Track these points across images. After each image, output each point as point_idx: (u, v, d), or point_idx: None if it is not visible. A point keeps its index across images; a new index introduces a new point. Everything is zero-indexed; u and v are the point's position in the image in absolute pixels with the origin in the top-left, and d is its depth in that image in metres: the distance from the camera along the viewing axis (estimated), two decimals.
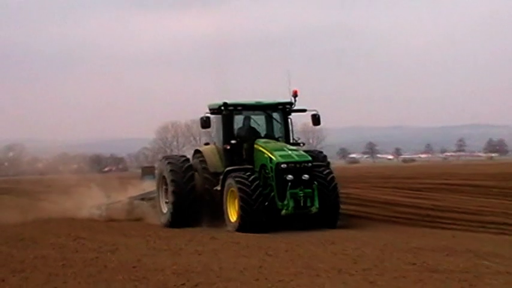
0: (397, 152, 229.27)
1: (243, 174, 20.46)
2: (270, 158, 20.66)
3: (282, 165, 20.15)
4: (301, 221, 20.55)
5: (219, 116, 22.64)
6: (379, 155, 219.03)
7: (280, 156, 20.56)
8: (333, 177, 21.30)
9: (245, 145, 22.01)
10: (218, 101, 22.43)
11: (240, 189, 19.85)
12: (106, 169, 77.11)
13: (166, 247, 17.95)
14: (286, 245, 17.44)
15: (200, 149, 23.56)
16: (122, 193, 27.01)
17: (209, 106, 22.92)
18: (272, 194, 20.23)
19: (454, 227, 21.86)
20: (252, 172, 20.68)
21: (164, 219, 22.73)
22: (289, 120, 23.18)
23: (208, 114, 22.49)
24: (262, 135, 23.13)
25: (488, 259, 14.25)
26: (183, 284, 12.27)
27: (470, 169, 68.37)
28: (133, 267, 14.42)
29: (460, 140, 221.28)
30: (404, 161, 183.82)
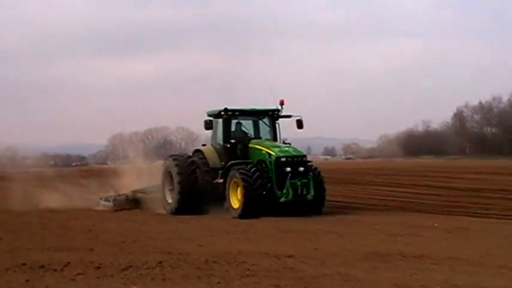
0: None
1: (245, 167, 22.06)
2: (269, 153, 22.43)
3: (282, 159, 21.96)
4: (296, 207, 21.93)
5: (219, 119, 24.32)
6: None
7: (279, 151, 22.45)
8: (319, 170, 23.32)
9: (239, 145, 23.45)
10: (217, 107, 24.19)
11: (243, 180, 21.34)
12: (73, 164, 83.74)
13: (115, 218, 22.59)
14: (195, 217, 22.37)
15: (200, 148, 25.28)
16: (126, 187, 28.19)
17: (208, 112, 24.79)
18: (269, 184, 21.77)
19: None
20: (252, 165, 22.24)
21: (169, 208, 24.15)
22: (276, 124, 24.96)
23: (211, 118, 24.17)
24: (253, 137, 24.76)
25: (322, 223, 19.24)
26: (123, 242, 14.96)
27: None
28: (90, 230, 17.60)
29: (308, 148, 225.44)
30: None
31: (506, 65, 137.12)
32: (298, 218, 20.86)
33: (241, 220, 21.05)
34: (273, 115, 24.81)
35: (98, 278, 10.29)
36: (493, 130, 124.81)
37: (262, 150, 22.91)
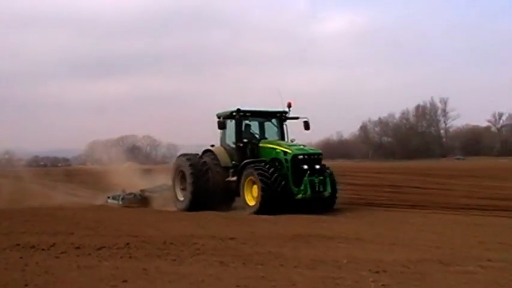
0: None
1: (262, 165, 19.23)
2: (285, 152, 19.58)
3: (299, 156, 19.23)
4: (311, 204, 18.86)
5: (229, 120, 21.40)
6: None
7: (296, 149, 19.67)
8: (330, 168, 20.26)
9: (251, 145, 20.79)
10: (228, 109, 21.21)
11: (260, 178, 18.56)
12: (59, 165, 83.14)
13: (93, 208, 22.02)
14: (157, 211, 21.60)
15: (210, 149, 21.84)
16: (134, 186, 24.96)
17: (219, 114, 21.53)
18: (283, 182, 18.78)
19: None
20: (268, 164, 19.30)
21: (181, 205, 21.19)
22: (284, 126, 22.01)
23: (223, 119, 20.96)
24: (262, 137, 21.84)
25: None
26: (98, 227, 14.85)
27: None
28: (71, 217, 17.41)
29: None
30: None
31: (399, 88, 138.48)
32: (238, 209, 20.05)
33: (191, 211, 19.72)
34: (281, 116, 21.93)
35: (77, 256, 10.24)
36: (389, 139, 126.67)
37: (277, 148, 20.07)
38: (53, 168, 63.59)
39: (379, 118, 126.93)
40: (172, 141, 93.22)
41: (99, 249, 10.85)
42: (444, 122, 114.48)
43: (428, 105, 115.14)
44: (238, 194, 20.00)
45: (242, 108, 21.02)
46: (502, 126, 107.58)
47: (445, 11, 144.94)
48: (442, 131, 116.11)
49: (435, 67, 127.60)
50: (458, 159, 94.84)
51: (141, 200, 23.50)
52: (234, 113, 20.95)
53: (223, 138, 22.05)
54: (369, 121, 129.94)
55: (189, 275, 8.33)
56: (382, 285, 7.45)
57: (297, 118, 21.67)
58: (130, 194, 23.96)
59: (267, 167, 18.96)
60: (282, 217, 17.27)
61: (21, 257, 10.03)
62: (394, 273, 8.19)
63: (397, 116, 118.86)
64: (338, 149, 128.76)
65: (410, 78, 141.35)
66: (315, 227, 14.67)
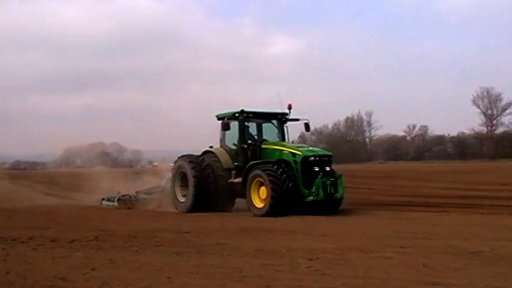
0: None
1: (271, 166, 16.59)
2: (294, 153, 16.91)
3: (310, 158, 16.72)
4: (321, 206, 16.43)
5: (234, 121, 18.48)
6: None
7: (306, 151, 17.24)
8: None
9: (251, 147, 18.01)
10: (231, 110, 18.48)
11: (270, 180, 16.04)
12: (38, 168, 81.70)
13: (66, 206, 21.38)
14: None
15: (211, 150, 19.01)
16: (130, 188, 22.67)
17: (219, 115, 18.97)
18: (290, 184, 16.25)
19: None
20: (276, 165, 16.63)
21: (182, 207, 18.57)
22: (285, 127, 19.20)
23: (227, 121, 18.20)
24: (260, 138, 18.90)
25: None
26: (70, 222, 14.98)
27: None
28: (47, 214, 17.44)
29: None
30: None
31: (332, 103, 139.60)
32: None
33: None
34: (282, 118, 19.11)
35: (53, 247, 10.25)
36: (323, 146, 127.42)
37: (284, 150, 17.36)
38: (32, 171, 62.69)
39: (315, 128, 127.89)
40: (136, 147, 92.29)
41: (71, 241, 10.84)
42: (369, 131, 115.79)
43: (356, 117, 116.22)
44: (241, 196, 17.62)
45: (246, 109, 18.28)
46: (415, 136, 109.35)
47: (369, 39, 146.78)
48: (367, 139, 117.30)
49: (362, 85, 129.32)
50: (380, 163, 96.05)
51: (136, 202, 20.99)
52: (237, 114, 18.22)
53: (223, 140, 19.26)
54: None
55: (149, 264, 8.31)
56: (315, 270, 7.52)
57: (297, 120, 19.17)
58: (125, 195, 21.47)
59: (275, 168, 16.44)
60: (228, 214, 17.32)
61: (3, 249, 9.99)
62: (324, 260, 8.27)
63: (330, 126, 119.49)
64: None
65: (342, 95, 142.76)
66: (257, 221, 14.67)
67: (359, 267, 7.64)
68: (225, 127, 18.21)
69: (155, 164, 58.67)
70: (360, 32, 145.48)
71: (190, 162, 18.64)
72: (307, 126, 19.28)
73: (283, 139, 18.88)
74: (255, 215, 16.34)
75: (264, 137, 18.91)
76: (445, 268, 7.52)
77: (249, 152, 17.92)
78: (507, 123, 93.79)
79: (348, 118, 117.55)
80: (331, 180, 16.38)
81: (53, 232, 12.43)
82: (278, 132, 19.14)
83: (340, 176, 16.77)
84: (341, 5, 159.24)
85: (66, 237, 11.36)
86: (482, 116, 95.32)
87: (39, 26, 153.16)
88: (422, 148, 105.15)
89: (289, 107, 18.77)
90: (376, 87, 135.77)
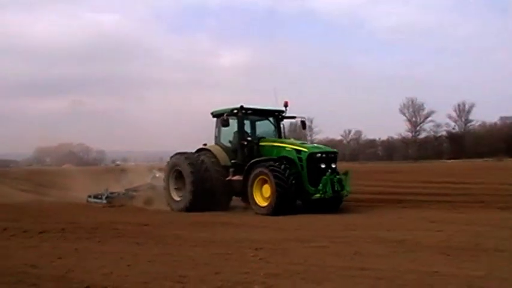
0: None
1: (274, 163, 14.67)
2: (298, 150, 15.06)
3: (317, 155, 14.86)
4: (327, 204, 14.76)
5: (233, 118, 16.50)
6: None
7: (312, 147, 15.53)
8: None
9: (249, 144, 16.17)
10: (229, 106, 16.51)
11: (275, 176, 14.20)
12: (11, 165, 79.71)
13: (35, 200, 20.01)
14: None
15: (207, 147, 17.06)
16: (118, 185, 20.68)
17: (215, 112, 17.05)
18: (294, 181, 14.38)
19: None
20: (280, 162, 14.73)
21: (178, 206, 16.45)
22: (281, 125, 17.27)
23: (227, 117, 16.04)
24: (254, 135, 16.89)
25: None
26: (40, 216, 14.70)
27: None
28: (19, 208, 16.80)
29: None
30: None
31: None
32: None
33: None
34: (279, 116, 17.20)
35: (24, 238, 10.22)
36: None
37: (287, 147, 15.49)
38: (5, 169, 61.06)
39: None
40: (100, 148, 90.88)
41: (41, 232, 10.73)
42: (310, 135, 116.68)
43: (299, 122, 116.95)
44: (240, 194, 16.04)
45: (245, 106, 16.34)
46: (350, 140, 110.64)
47: (312, 52, 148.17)
48: (308, 143, 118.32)
49: (306, 93, 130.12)
50: None
51: (125, 199, 18.87)
52: (236, 111, 16.26)
53: (218, 137, 17.23)
54: None
55: (111, 253, 8.25)
56: (259, 258, 7.55)
57: (294, 117, 17.36)
58: (114, 193, 19.38)
59: (282, 167, 14.52)
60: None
61: None
62: (267, 249, 8.31)
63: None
64: None
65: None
66: (208, 215, 14.58)
67: (299, 256, 7.70)
68: (225, 123, 16.05)
69: (117, 163, 57.98)
70: (304, 45, 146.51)
71: (186, 159, 16.55)
72: (303, 123, 18.11)
73: (280, 137, 17.12)
74: (258, 214, 14.44)
75: (257, 134, 16.99)
76: (373, 255, 7.65)
77: (246, 150, 16.13)
78: (428, 129, 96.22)
79: (291, 123, 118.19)
80: (338, 178, 14.72)
81: (25, 224, 12.25)
82: (274, 130, 17.33)
83: (347, 173, 15.13)
84: (287, 22, 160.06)
85: (36, 228, 11.21)
86: (407, 123, 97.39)
87: (6, 35, 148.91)
88: (356, 150, 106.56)
89: (286, 105, 16.93)
90: (318, 96, 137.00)
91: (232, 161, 16.28)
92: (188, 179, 16.17)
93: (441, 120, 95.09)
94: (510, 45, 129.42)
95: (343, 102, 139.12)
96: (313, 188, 14.56)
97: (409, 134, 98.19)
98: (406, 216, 13.12)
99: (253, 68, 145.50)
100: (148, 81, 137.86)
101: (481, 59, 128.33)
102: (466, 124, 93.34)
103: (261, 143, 16.18)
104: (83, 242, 9.52)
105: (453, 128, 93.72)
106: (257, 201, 14.81)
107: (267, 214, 14.11)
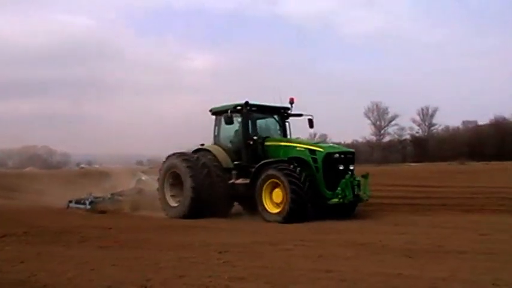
0: None
1: (288, 166, 13.09)
2: (312, 150, 13.58)
3: (335, 155, 13.42)
4: (343, 209, 13.60)
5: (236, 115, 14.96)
6: None
7: (328, 147, 13.97)
8: None
9: (254, 143, 14.66)
10: (231, 103, 14.96)
11: (290, 181, 12.66)
12: None
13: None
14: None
15: (206, 148, 15.55)
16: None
17: (214, 109, 15.71)
18: (308, 185, 12.92)
19: None
20: (293, 164, 13.17)
21: (175, 212, 14.84)
22: (286, 123, 15.80)
23: (231, 114, 14.49)
24: (264, 134, 15.22)
25: None
26: (2, 218, 14.42)
27: None
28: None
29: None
30: None
31: None
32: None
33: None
34: (284, 113, 15.77)
35: None
36: None
37: (298, 147, 14.01)
38: None
39: None
40: (65, 151, 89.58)
41: (2, 236, 10.52)
42: None
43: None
44: (243, 199, 14.78)
45: (251, 102, 14.82)
46: None
47: (282, 55, 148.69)
48: None
49: (274, 97, 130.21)
50: None
51: (111, 204, 17.04)
52: (240, 107, 14.73)
53: (217, 136, 15.79)
54: None
55: (76, 257, 8.11)
56: (224, 261, 7.53)
57: (300, 115, 15.68)
58: (98, 197, 17.60)
59: (292, 167, 13.05)
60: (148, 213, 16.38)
61: None
62: (234, 252, 8.31)
63: None
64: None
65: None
66: (177, 220, 14.40)
67: (265, 259, 7.72)
68: (229, 121, 14.45)
69: (82, 166, 57.25)
70: (274, 49, 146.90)
71: (185, 160, 14.87)
72: (311, 122, 15.69)
73: (285, 136, 15.70)
74: (268, 221, 12.99)
75: (258, 133, 15.37)
76: (338, 258, 7.70)
77: (250, 150, 14.66)
78: (393, 133, 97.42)
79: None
80: (358, 180, 13.46)
81: None
82: (279, 128, 15.86)
83: (367, 175, 13.79)
84: (257, 26, 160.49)
85: None
86: (372, 127, 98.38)
87: None
88: None
89: (291, 102, 15.47)
90: (285, 100, 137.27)
91: (235, 163, 14.79)
92: (187, 184, 14.58)
93: (405, 124, 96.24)
94: (472, 51, 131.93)
95: (309, 106, 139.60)
96: (330, 192, 13.21)
97: (374, 138, 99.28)
98: (371, 220, 13.24)
99: (221, 71, 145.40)
100: (115, 84, 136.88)
101: (444, 64, 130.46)
102: (429, 128, 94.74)
103: (266, 143, 14.73)
104: (47, 246, 9.38)
105: (417, 132, 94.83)
106: (267, 208, 13.31)
107: (280, 222, 12.66)
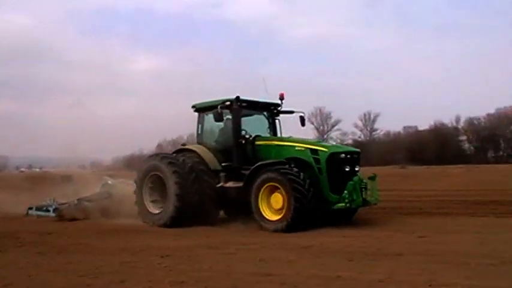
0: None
1: (288, 168, 11.71)
2: (314, 150, 12.24)
3: (341, 156, 12.17)
4: (347, 214, 12.74)
5: (205, 114, 14.08)
6: None
7: (332, 147, 12.82)
8: None
9: (244, 142, 13.21)
10: (219, 98, 13.36)
11: (294, 188, 11.28)
12: None
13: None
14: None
15: (190, 148, 13.98)
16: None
17: (197, 105, 14.15)
18: (311, 189, 11.52)
19: None
20: (293, 166, 11.84)
21: (158, 220, 13.15)
22: (276, 120, 14.40)
23: (221, 110, 12.80)
24: (253, 133, 13.69)
25: None
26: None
27: None
28: None
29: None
30: None
31: (187, 114, 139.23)
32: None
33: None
34: (274, 110, 14.36)
35: None
36: None
37: (296, 146, 12.62)
38: None
39: (172, 139, 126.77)
40: (3, 153, 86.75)
41: None
42: None
43: None
44: (233, 205, 13.25)
45: (241, 97, 13.32)
46: None
47: (223, 59, 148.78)
48: None
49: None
50: None
51: (78, 211, 15.27)
52: (229, 103, 13.18)
53: (201, 135, 14.33)
54: (164, 140, 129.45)
55: (11, 263, 7.93)
56: (165, 266, 7.52)
57: (291, 112, 14.41)
58: (64, 203, 15.81)
59: (296, 171, 11.64)
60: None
61: None
62: (175, 257, 8.27)
63: (185, 137, 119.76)
64: (137, 162, 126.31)
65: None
66: (120, 223, 13.88)
67: (205, 263, 7.70)
68: (218, 117, 12.87)
69: (22, 169, 55.60)
70: (216, 53, 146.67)
71: (171, 164, 13.19)
72: (302, 119, 14.41)
73: (275, 134, 14.32)
74: (267, 230, 11.62)
75: (264, 132, 14.20)
76: (279, 261, 7.76)
77: (241, 150, 13.21)
78: (335, 137, 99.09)
79: None
80: (364, 182, 12.27)
81: None
82: (269, 126, 14.46)
83: (374, 177, 12.63)
84: (201, 29, 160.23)
85: None
86: (315, 131, 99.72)
87: None
88: None
89: (281, 97, 14.24)
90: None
91: (223, 164, 13.34)
92: (172, 190, 12.94)
93: (347, 128, 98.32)
94: (414, 58, 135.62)
95: None
96: (335, 196, 11.93)
97: None
98: (313, 223, 13.36)
99: (167, 74, 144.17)
100: (56, 84, 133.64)
101: (387, 70, 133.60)
102: (371, 133, 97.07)
103: (256, 142, 13.37)
104: None
105: (359, 137, 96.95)
106: (265, 215, 11.89)
107: (281, 231, 11.35)
